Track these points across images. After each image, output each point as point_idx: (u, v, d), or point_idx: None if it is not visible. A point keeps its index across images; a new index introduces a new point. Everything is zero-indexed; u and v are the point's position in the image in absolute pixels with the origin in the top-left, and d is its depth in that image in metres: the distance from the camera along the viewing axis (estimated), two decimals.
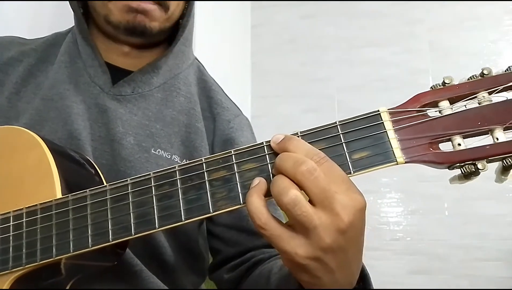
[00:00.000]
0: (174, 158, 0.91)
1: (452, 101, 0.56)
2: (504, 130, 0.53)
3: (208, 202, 0.59)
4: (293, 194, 0.52)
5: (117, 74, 0.94)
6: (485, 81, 0.56)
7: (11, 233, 0.67)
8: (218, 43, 2.65)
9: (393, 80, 3.04)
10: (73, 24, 1.03)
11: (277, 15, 3.40)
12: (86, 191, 0.65)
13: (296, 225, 0.54)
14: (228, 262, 0.95)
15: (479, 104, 0.55)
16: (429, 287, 2.76)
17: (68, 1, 0.97)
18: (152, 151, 0.90)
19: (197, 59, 1.09)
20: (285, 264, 0.59)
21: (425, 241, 2.84)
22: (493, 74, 0.56)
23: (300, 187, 0.53)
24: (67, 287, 0.70)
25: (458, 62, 2.91)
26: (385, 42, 3.13)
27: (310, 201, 0.53)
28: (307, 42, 3.30)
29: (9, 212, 0.69)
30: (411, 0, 3.11)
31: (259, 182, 0.57)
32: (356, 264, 0.60)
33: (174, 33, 1.00)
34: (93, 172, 0.80)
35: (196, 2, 1.06)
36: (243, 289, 0.91)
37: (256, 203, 0.55)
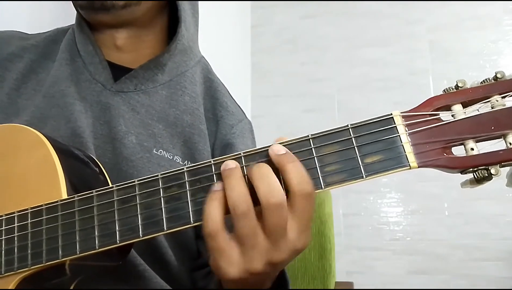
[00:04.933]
0: (176, 159, 0.90)
1: (465, 105, 0.56)
2: None
3: None
4: (247, 206, 0.55)
5: (118, 73, 0.93)
6: (499, 85, 0.55)
7: (16, 234, 0.66)
8: (218, 43, 2.64)
9: (393, 80, 3.04)
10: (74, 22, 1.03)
11: (277, 15, 3.40)
12: (92, 192, 0.64)
13: (238, 237, 0.56)
14: (206, 266, 0.95)
15: (492, 108, 0.54)
16: (429, 287, 2.77)
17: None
18: (154, 151, 0.89)
19: (204, 57, 1.08)
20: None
21: (425, 241, 2.85)
22: (507, 78, 0.55)
23: (262, 210, 0.55)
24: (71, 287, 0.70)
25: (458, 62, 2.92)
26: (385, 42, 3.13)
27: (262, 224, 0.56)
28: (307, 42, 3.30)
29: (13, 213, 0.67)
30: (411, 0, 3.11)
31: (221, 190, 0.58)
32: (272, 278, 0.65)
33: (173, 26, 1.00)
34: (98, 170, 0.79)
35: (198, 2, 1.06)
36: None
37: (215, 210, 0.56)
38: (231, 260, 0.57)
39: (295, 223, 0.57)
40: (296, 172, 0.56)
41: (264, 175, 0.56)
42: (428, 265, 2.81)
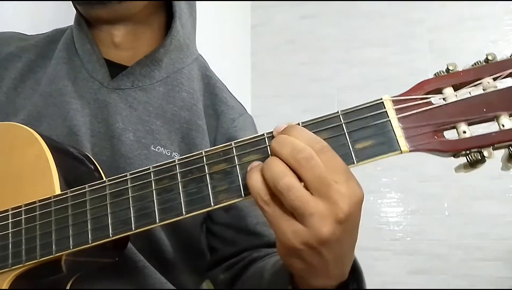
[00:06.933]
0: (174, 155, 0.90)
1: (457, 88, 0.56)
2: (510, 117, 0.53)
3: (209, 195, 0.59)
4: (287, 179, 0.52)
5: (116, 70, 0.93)
6: (490, 67, 0.55)
7: (10, 230, 0.67)
8: (218, 43, 2.64)
9: (393, 80, 3.03)
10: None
11: (277, 15, 3.40)
12: (85, 187, 0.65)
13: (293, 211, 0.53)
14: (225, 261, 0.95)
15: (484, 90, 0.54)
16: (429, 287, 2.76)
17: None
18: (152, 148, 0.89)
19: (201, 56, 1.08)
20: (279, 250, 0.59)
21: (425, 241, 2.84)
22: (498, 60, 0.55)
23: (297, 174, 0.53)
24: (69, 285, 0.70)
25: (458, 62, 2.88)
26: (385, 42, 3.13)
27: (308, 189, 0.53)
28: (307, 42, 3.30)
29: (7, 210, 0.68)
30: (411, 0, 3.11)
31: (259, 164, 0.56)
32: (349, 256, 0.61)
33: (170, 25, 1.00)
34: (93, 168, 0.79)
35: (196, 2, 1.06)
36: (237, 289, 0.91)
37: (259, 179, 0.54)
38: (292, 227, 0.54)
39: (336, 177, 0.53)
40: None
41: (282, 140, 0.55)
42: (428, 265, 2.80)
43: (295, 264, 0.58)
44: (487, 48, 2.91)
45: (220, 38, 2.74)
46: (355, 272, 0.66)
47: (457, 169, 0.55)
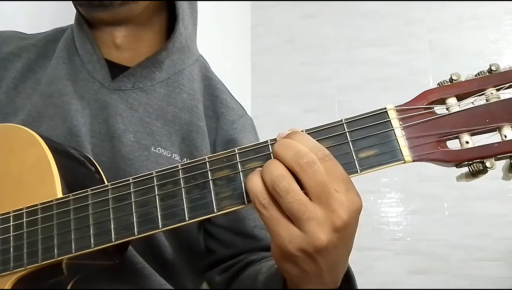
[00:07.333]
0: (174, 156, 0.90)
1: (460, 98, 0.55)
2: None
3: (212, 202, 0.58)
4: (287, 181, 0.52)
5: (117, 71, 0.93)
6: (493, 78, 0.55)
7: (11, 233, 0.66)
8: (218, 43, 2.64)
9: (393, 80, 3.04)
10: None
11: (277, 15, 3.40)
12: (87, 191, 0.64)
13: (290, 215, 0.53)
14: (222, 263, 0.94)
15: (487, 101, 0.54)
16: (429, 287, 2.76)
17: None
18: (152, 149, 0.89)
19: (202, 56, 1.08)
20: (274, 254, 0.58)
21: (425, 241, 2.84)
22: (501, 70, 0.55)
23: (297, 179, 0.53)
24: (69, 286, 0.69)
25: (458, 62, 2.91)
26: (385, 42, 3.13)
27: (307, 195, 0.53)
28: (307, 42, 3.30)
29: (9, 212, 0.68)
30: (411, 0, 3.11)
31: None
32: (343, 264, 0.60)
33: (171, 26, 0.99)
34: (93, 169, 0.79)
35: (197, 2, 1.06)
36: (231, 289, 0.91)
37: (259, 183, 0.54)
38: (289, 231, 0.53)
39: (336, 186, 0.53)
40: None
41: (286, 144, 0.54)
42: (428, 265, 2.80)
43: (289, 269, 0.58)
44: (487, 48, 2.92)
45: (220, 38, 2.74)
46: (348, 280, 0.66)
47: (459, 178, 0.55)
